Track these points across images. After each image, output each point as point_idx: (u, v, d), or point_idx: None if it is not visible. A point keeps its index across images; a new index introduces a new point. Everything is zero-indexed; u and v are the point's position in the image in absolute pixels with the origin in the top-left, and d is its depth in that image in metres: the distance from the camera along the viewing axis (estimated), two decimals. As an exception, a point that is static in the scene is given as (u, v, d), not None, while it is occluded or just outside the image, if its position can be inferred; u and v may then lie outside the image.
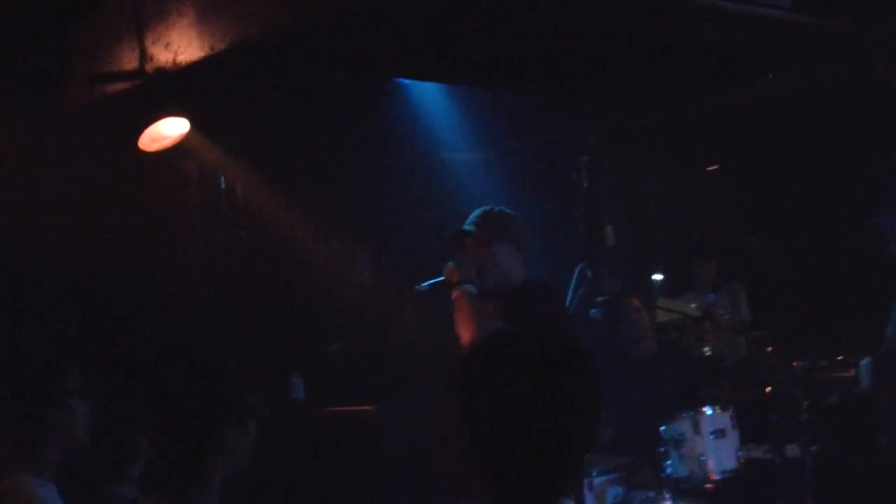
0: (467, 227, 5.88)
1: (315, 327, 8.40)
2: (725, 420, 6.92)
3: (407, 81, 8.27)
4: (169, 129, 7.03)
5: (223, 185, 8.01)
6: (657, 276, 9.70)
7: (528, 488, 2.56)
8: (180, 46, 6.43)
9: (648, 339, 8.27)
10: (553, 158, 9.75)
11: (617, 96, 8.85)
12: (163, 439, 3.07)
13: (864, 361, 6.19)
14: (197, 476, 3.02)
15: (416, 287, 5.94)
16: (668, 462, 6.80)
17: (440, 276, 5.72)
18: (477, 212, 5.96)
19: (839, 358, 7.09)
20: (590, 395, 2.58)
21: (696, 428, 6.83)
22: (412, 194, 8.70)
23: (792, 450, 6.91)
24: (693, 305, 8.79)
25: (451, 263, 5.69)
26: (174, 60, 6.46)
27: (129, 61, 6.71)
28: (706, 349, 8.49)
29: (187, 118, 7.02)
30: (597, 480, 6.80)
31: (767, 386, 7.11)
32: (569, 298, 6.69)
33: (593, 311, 6.60)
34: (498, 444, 2.54)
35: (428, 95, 8.50)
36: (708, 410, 6.93)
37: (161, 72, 6.56)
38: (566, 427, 2.52)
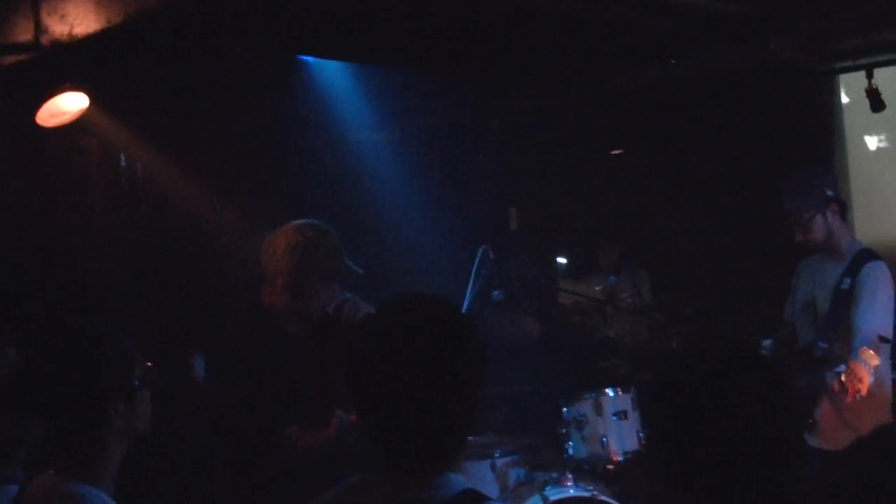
0: None
1: (218, 306, 8.32)
2: (627, 401, 6.95)
3: (311, 60, 8.21)
4: (68, 105, 6.91)
5: (124, 162, 7.89)
6: (561, 260, 9.73)
7: (410, 457, 2.57)
8: (76, 18, 6.30)
9: (528, 322, 8.32)
10: (458, 140, 9.74)
11: (521, 77, 8.85)
12: (52, 418, 3.05)
13: (766, 343, 6.24)
14: (91, 451, 3.02)
15: None
16: (571, 443, 6.82)
17: None
18: None
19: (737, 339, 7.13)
20: (470, 364, 2.58)
21: (598, 409, 6.86)
22: (317, 173, 8.64)
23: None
24: (597, 288, 8.84)
25: None
26: (70, 33, 6.33)
27: (24, 33, 6.56)
28: (609, 331, 8.54)
29: (87, 93, 6.90)
30: (499, 461, 6.81)
31: (658, 367, 7.14)
32: (472, 279, 6.68)
33: (495, 292, 6.59)
34: (383, 412, 2.55)
35: (333, 74, 8.45)
36: (610, 392, 6.96)
37: (57, 44, 6.42)
38: (446, 395, 2.53)
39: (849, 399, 5.24)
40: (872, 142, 9.19)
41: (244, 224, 8.45)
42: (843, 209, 6.08)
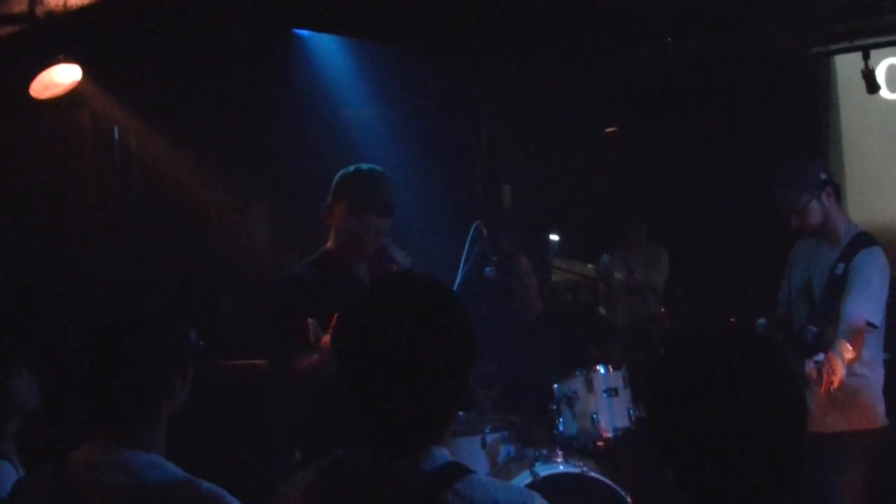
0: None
1: (209, 281, 8.33)
2: (618, 379, 6.94)
3: (306, 34, 8.18)
4: (61, 77, 6.91)
5: (117, 136, 7.88)
6: (553, 237, 9.73)
7: (396, 432, 2.59)
8: (71, -10, 6.31)
9: (535, 301, 8.32)
10: (453, 117, 9.73)
11: (516, 55, 8.83)
12: (117, 388, 3.06)
13: (760, 322, 6.24)
14: (146, 421, 3.08)
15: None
16: (561, 420, 6.82)
17: None
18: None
19: (733, 319, 7.16)
20: (457, 338, 2.60)
21: (589, 386, 6.85)
22: (311, 149, 8.63)
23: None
24: (589, 266, 8.85)
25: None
26: (65, 4, 6.34)
27: (19, 4, 6.56)
28: (600, 309, 8.55)
29: (80, 66, 6.89)
30: (489, 438, 6.81)
31: (660, 346, 7.14)
32: (464, 255, 6.67)
33: (488, 268, 6.58)
34: (370, 388, 2.58)
35: (328, 50, 8.43)
36: (601, 369, 6.96)
37: (51, 16, 6.42)
38: (433, 372, 2.55)
39: (822, 390, 5.25)
40: (867, 125, 9.19)
41: (237, 197, 8.45)
42: (838, 193, 6.06)
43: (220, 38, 7.64)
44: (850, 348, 5.30)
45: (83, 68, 6.89)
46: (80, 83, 6.98)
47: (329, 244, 5.41)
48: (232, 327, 8.12)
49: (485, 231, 6.70)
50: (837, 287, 5.77)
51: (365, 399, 2.60)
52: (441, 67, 9.09)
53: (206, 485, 2.99)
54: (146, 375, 3.04)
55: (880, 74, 8.80)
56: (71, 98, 7.14)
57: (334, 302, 2.90)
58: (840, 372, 5.20)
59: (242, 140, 8.37)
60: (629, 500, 6.43)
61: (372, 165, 5.52)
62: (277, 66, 8.18)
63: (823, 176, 5.94)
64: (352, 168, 5.48)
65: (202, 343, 3.22)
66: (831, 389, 5.24)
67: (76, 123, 7.80)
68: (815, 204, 5.88)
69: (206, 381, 7.40)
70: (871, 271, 5.74)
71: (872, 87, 8.24)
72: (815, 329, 5.67)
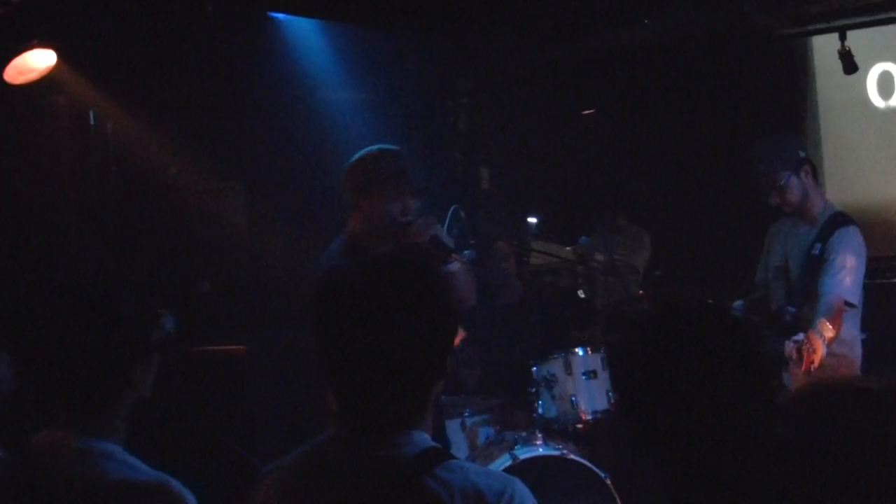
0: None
1: (186, 265, 8.30)
2: (597, 361, 6.96)
3: (282, 17, 8.15)
4: (36, 61, 6.85)
5: (93, 120, 7.83)
6: (532, 220, 9.72)
7: (377, 416, 2.59)
8: (45, -27, 6.26)
9: (514, 284, 8.33)
10: (432, 100, 9.71)
11: (493, 37, 8.82)
12: (71, 374, 3.00)
13: (738, 304, 6.26)
14: (109, 409, 3.02)
15: None
16: (540, 402, 6.83)
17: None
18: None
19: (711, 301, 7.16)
20: (437, 322, 2.60)
21: (568, 368, 6.87)
22: (288, 132, 8.60)
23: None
24: (567, 249, 8.84)
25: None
26: (39, -12, 6.29)
27: (-9, -12, 6.51)
28: (580, 292, 8.54)
29: (55, 50, 6.84)
30: (469, 420, 6.84)
31: (630, 327, 7.13)
32: (443, 239, 6.66)
33: (466, 252, 6.57)
34: (350, 371, 2.58)
35: (305, 33, 8.40)
36: (580, 351, 6.98)
37: (26, 0, 6.37)
38: (413, 355, 2.55)
39: (802, 369, 5.27)
40: (845, 105, 9.20)
41: (214, 181, 8.42)
42: (815, 171, 6.08)
43: (197, 21, 7.60)
44: (830, 327, 5.32)
45: (58, 53, 6.84)
46: (55, 68, 6.92)
47: (353, 229, 5.34)
48: (209, 312, 8.09)
49: (463, 214, 6.69)
50: (815, 267, 5.78)
51: (344, 383, 2.61)
52: (418, 50, 9.07)
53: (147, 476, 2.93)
54: (100, 361, 2.98)
55: (872, 82, 8.87)
56: (46, 83, 7.09)
57: None
58: (820, 350, 5.22)
59: (219, 124, 8.33)
60: (609, 481, 6.45)
61: (390, 146, 5.48)
62: (254, 49, 8.14)
63: (802, 154, 5.95)
64: (376, 149, 5.40)
65: (180, 329, 3.18)
66: (812, 368, 5.26)
67: (51, 108, 7.74)
68: (794, 180, 5.89)
69: (184, 367, 7.43)
70: (848, 250, 5.75)
71: (850, 67, 8.24)
72: (793, 309, 5.69)
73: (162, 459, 3.06)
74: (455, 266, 5.31)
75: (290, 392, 7.38)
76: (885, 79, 8.97)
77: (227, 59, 7.97)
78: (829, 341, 5.32)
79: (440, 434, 5.17)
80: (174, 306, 7.15)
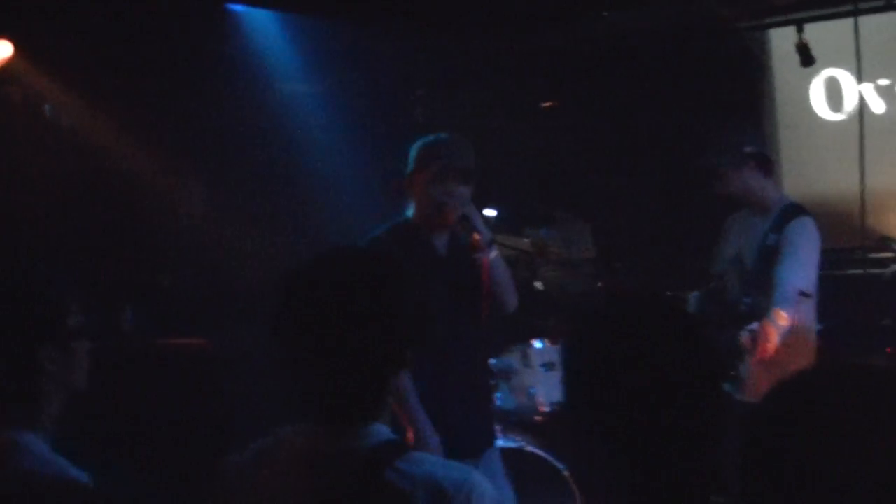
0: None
1: (147, 258, 8.27)
2: (555, 353, 6.98)
3: (240, 9, 8.12)
4: (-8, 53, 6.82)
5: (49, 112, 7.79)
6: (490, 211, 9.72)
7: (336, 408, 2.60)
8: (0, -36, 6.21)
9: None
10: (389, 93, 9.69)
11: (453, 29, 8.81)
12: None
13: (694, 295, 6.29)
14: (26, 400, 2.95)
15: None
16: (498, 395, 6.84)
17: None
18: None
19: (668, 293, 7.19)
20: (396, 314, 2.60)
21: (526, 361, 6.89)
22: (246, 125, 8.58)
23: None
24: (525, 240, 8.84)
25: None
26: (-6, -20, 6.24)
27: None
28: (537, 284, 8.55)
29: (11, 41, 6.80)
30: (427, 413, 6.82)
31: (575, 321, 7.15)
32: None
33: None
34: (310, 363, 2.58)
35: (263, 24, 8.38)
36: (538, 343, 6.99)
37: (-20, -8, 6.32)
38: (372, 347, 2.56)
39: (756, 358, 5.32)
40: (803, 98, 9.24)
41: (173, 172, 8.39)
42: (766, 165, 6.06)
43: (154, 14, 7.56)
44: (785, 316, 5.36)
45: (14, 44, 6.80)
46: (11, 59, 6.88)
47: (411, 213, 5.32)
48: (170, 305, 8.07)
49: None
50: (769, 257, 5.80)
51: (303, 376, 2.61)
52: (377, 41, 9.05)
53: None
54: (3, 344, 2.92)
55: (818, 88, 8.93)
56: (2, 74, 7.04)
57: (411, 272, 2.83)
58: (774, 339, 5.27)
59: (177, 116, 8.30)
60: (567, 473, 6.47)
61: (453, 134, 5.43)
62: (212, 41, 8.11)
63: (748, 149, 5.95)
64: (432, 137, 5.39)
65: (139, 321, 3.16)
66: (765, 357, 5.31)
67: (7, 100, 7.70)
68: (734, 175, 5.93)
69: (144, 359, 7.40)
70: (802, 240, 5.77)
71: (807, 60, 8.30)
72: (748, 299, 5.71)
73: (105, 453, 3.01)
74: (493, 253, 5.19)
75: (252, 385, 7.37)
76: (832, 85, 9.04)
77: (184, 51, 7.94)
78: (783, 329, 5.37)
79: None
80: (135, 299, 7.15)
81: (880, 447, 1.78)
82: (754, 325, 5.37)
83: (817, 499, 1.80)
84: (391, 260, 2.76)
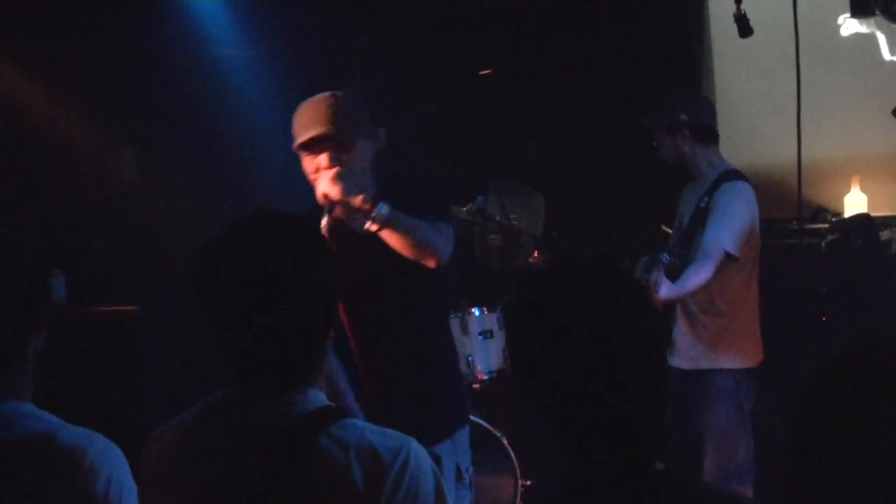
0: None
1: (78, 224, 8.18)
2: (493, 321, 6.98)
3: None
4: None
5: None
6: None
7: (268, 374, 2.57)
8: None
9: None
10: (326, 59, 9.61)
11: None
12: None
13: (642, 260, 6.25)
14: (10, 368, 2.81)
15: None
16: (436, 363, 6.81)
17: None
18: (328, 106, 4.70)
19: (613, 258, 7.20)
20: (319, 277, 2.58)
21: (464, 328, 6.88)
22: (181, 91, 8.49)
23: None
24: (463, 209, 8.82)
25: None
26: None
27: None
28: (475, 251, 8.55)
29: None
30: (364, 381, 6.79)
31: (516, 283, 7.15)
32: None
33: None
34: (238, 330, 2.54)
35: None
36: (476, 311, 6.99)
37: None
38: (301, 312, 2.53)
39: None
40: (739, 68, 9.27)
41: (105, 139, 8.30)
42: (703, 133, 6.03)
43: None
44: (700, 272, 5.37)
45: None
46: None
47: None
48: (102, 271, 7.99)
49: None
50: (700, 219, 5.80)
51: (230, 340, 2.57)
52: (314, 7, 8.97)
53: (68, 438, 2.67)
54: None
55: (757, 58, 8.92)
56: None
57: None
58: (654, 293, 5.23)
59: (109, 81, 8.21)
60: (505, 441, 6.47)
61: (322, 94, 4.77)
62: (145, 6, 8.00)
63: (684, 116, 5.93)
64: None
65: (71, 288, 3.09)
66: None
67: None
68: (667, 141, 5.93)
69: (77, 326, 7.32)
70: (731, 202, 5.73)
71: (745, 31, 8.30)
72: (666, 258, 5.60)
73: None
74: (383, 210, 4.38)
75: (183, 352, 7.32)
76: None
77: (117, 16, 7.83)
78: (684, 287, 5.38)
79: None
80: (66, 266, 7.04)
81: None
82: (653, 274, 5.32)
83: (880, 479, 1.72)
84: (308, 224, 2.73)
